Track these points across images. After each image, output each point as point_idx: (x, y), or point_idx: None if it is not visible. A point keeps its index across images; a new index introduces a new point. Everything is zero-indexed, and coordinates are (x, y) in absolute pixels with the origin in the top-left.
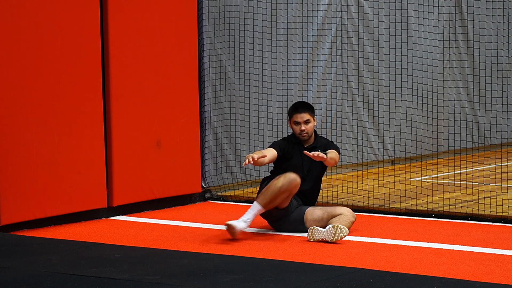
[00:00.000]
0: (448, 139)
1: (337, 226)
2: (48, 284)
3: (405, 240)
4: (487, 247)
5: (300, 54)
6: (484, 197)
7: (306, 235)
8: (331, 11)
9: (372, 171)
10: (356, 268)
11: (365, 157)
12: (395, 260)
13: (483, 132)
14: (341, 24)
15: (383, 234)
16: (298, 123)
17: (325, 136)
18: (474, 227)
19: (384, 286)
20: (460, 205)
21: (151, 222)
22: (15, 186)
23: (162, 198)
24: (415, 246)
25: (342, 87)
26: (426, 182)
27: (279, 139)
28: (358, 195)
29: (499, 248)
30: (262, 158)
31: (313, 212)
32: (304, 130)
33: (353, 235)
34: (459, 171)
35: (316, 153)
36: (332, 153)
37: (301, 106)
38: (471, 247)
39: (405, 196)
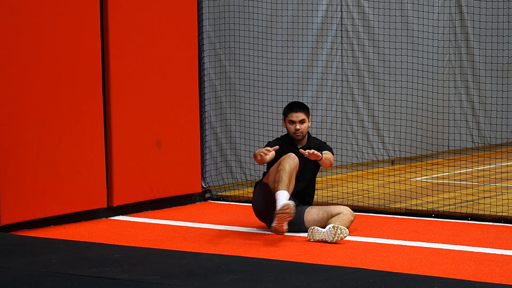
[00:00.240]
0: (448, 139)
1: (337, 227)
2: (48, 284)
3: (405, 240)
4: (487, 247)
5: (300, 54)
6: (484, 197)
7: (306, 235)
8: (331, 11)
9: (372, 171)
10: (356, 268)
11: (365, 157)
12: (395, 260)
13: (483, 132)
14: (341, 24)
15: (383, 234)
16: (293, 122)
17: (325, 136)
18: (474, 227)
19: (384, 286)
20: (460, 205)
21: (151, 222)
22: (15, 186)
23: (162, 198)
24: (415, 246)
25: (342, 87)
26: (426, 182)
27: (273, 139)
28: (358, 195)
29: (499, 248)
30: (267, 155)
31: (312, 212)
32: (299, 129)
33: (353, 235)
34: (459, 171)
35: (312, 150)
36: (327, 154)
37: (297, 106)
38: (471, 247)
39: (405, 196)
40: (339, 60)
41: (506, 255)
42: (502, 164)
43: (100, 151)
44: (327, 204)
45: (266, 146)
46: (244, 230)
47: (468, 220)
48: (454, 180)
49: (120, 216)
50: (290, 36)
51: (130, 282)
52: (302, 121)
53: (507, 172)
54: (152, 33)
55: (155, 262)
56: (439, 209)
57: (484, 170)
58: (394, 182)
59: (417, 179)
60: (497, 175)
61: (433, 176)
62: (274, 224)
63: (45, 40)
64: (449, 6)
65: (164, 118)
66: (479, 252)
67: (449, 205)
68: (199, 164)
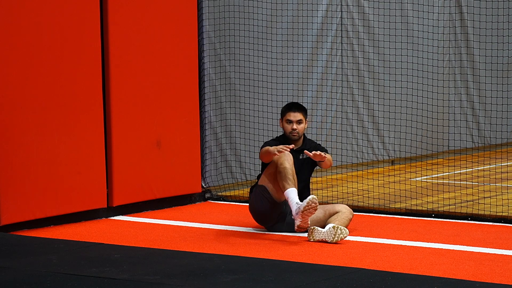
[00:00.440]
0: (448, 139)
1: (337, 227)
2: (48, 284)
3: (405, 240)
4: (487, 247)
5: (300, 54)
6: (484, 197)
7: (306, 235)
8: (331, 11)
9: (372, 171)
10: (356, 268)
11: (365, 157)
12: (395, 260)
13: (483, 132)
14: (341, 24)
15: (383, 234)
16: (290, 122)
17: (325, 136)
18: (474, 227)
19: (384, 286)
20: (460, 205)
21: (151, 222)
22: (15, 186)
23: (162, 198)
24: (415, 246)
25: (342, 87)
26: (426, 182)
27: (269, 139)
28: (358, 195)
29: (499, 248)
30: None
31: None
32: (296, 129)
33: (353, 235)
34: (459, 171)
35: (318, 152)
36: (328, 155)
37: (295, 106)
38: (471, 247)
39: (405, 196)
40: (339, 60)
41: (506, 255)
42: (502, 164)
43: (100, 151)
44: (326, 203)
45: (264, 146)
46: (244, 230)
47: (468, 220)
48: (454, 180)
49: (120, 216)
50: (290, 36)
51: (130, 282)
52: (299, 122)
53: (507, 172)
54: (152, 33)
55: (155, 262)
56: (439, 209)
57: (484, 170)
58: (394, 182)
59: (417, 179)
60: (497, 175)
61: (433, 176)
62: (299, 223)
63: (45, 40)
64: (449, 6)
65: (164, 118)
66: (479, 252)
67: (449, 205)
68: (199, 164)
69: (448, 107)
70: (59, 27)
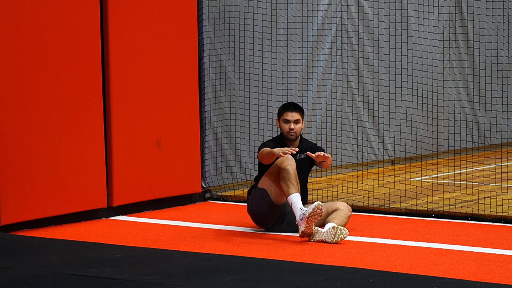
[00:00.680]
0: (448, 139)
1: (337, 227)
2: (48, 284)
3: (405, 240)
4: (487, 247)
5: (300, 54)
6: (484, 197)
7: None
8: (331, 11)
9: (372, 171)
10: (356, 268)
11: (365, 157)
12: (395, 260)
13: (483, 132)
14: (341, 24)
15: (383, 234)
16: (288, 121)
17: (325, 136)
18: (474, 227)
19: (384, 286)
20: (460, 205)
21: (151, 222)
22: (15, 186)
23: (162, 198)
24: (415, 246)
25: (342, 87)
26: (426, 182)
27: (267, 139)
28: (358, 195)
29: (499, 248)
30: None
31: None
32: (293, 129)
33: (353, 235)
34: (459, 171)
35: (321, 153)
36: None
37: (293, 106)
38: (471, 247)
39: (405, 196)
40: (339, 60)
41: (506, 255)
42: (502, 164)
43: (100, 151)
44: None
45: (262, 147)
46: (244, 230)
47: (468, 220)
48: (454, 180)
49: (120, 216)
50: (290, 36)
51: (130, 282)
52: (296, 121)
53: (507, 172)
54: (152, 33)
55: (155, 262)
56: (439, 209)
57: (484, 170)
58: (394, 182)
59: (417, 179)
60: (497, 175)
61: (433, 176)
62: (303, 229)
63: (45, 40)
64: (449, 6)
65: (164, 118)
66: (479, 252)
67: (449, 205)
68: (199, 164)
69: (448, 107)
70: (59, 27)
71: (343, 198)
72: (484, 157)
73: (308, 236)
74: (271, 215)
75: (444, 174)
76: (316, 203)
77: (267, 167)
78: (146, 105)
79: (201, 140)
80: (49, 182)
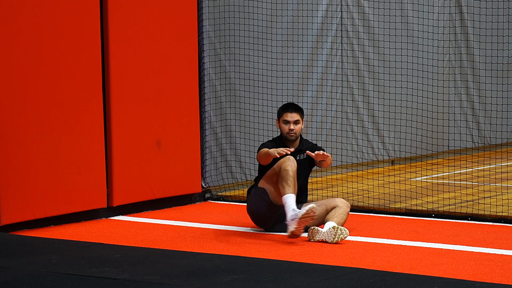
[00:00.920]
0: (448, 139)
1: (337, 227)
2: (48, 284)
3: (405, 240)
4: (487, 247)
5: (300, 54)
6: (484, 197)
7: (306, 235)
8: (331, 11)
9: (372, 171)
10: (356, 268)
11: (365, 157)
12: (395, 260)
13: (483, 132)
14: (341, 24)
15: (383, 234)
16: (287, 122)
17: (325, 136)
18: (474, 227)
19: (384, 286)
20: (460, 205)
21: (151, 222)
22: (15, 186)
23: (162, 198)
24: (415, 246)
25: (342, 87)
26: (426, 182)
27: (267, 140)
28: (358, 195)
29: (499, 248)
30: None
31: None
32: (293, 129)
33: (353, 235)
34: (459, 171)
35: (321, 152)
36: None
37: (292, 107)
38: (471, 247)
39: (405, 196)
40: (339, 60)
41: (506, 255)
42: (502, 164)
43: (100, 151)
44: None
45: (261, 147)
46: (244, 230)
47: (468, 220)
48: (454, 180)
49: (120, 216)
50: (290, 36)
51: (130, 282)
52: (296, 122)
53: (507, 172)
54: (152, 33)
55: (155, 262)
56: (439, 209)
57: (484, 170)
58: (394, 182)
59: (417, 179)
60: (497, 175)
61: (433, 176)
62: (293, 229)
63: (45, 40)
64: (449, 6)
65: (164, 118)
66: (479, 252)
67: (449, 205)
68: (199, 164)
69: (448, 107)
70: (59, 27)
71: (343, 198)
72: (484, 157)
73: (296, 237)
74: (270, 215)
75: (444, 174)
76: (310, 205)
77: (267, 168)
78: (146, 105)
79: (201, 140)
80: (49, 182)
